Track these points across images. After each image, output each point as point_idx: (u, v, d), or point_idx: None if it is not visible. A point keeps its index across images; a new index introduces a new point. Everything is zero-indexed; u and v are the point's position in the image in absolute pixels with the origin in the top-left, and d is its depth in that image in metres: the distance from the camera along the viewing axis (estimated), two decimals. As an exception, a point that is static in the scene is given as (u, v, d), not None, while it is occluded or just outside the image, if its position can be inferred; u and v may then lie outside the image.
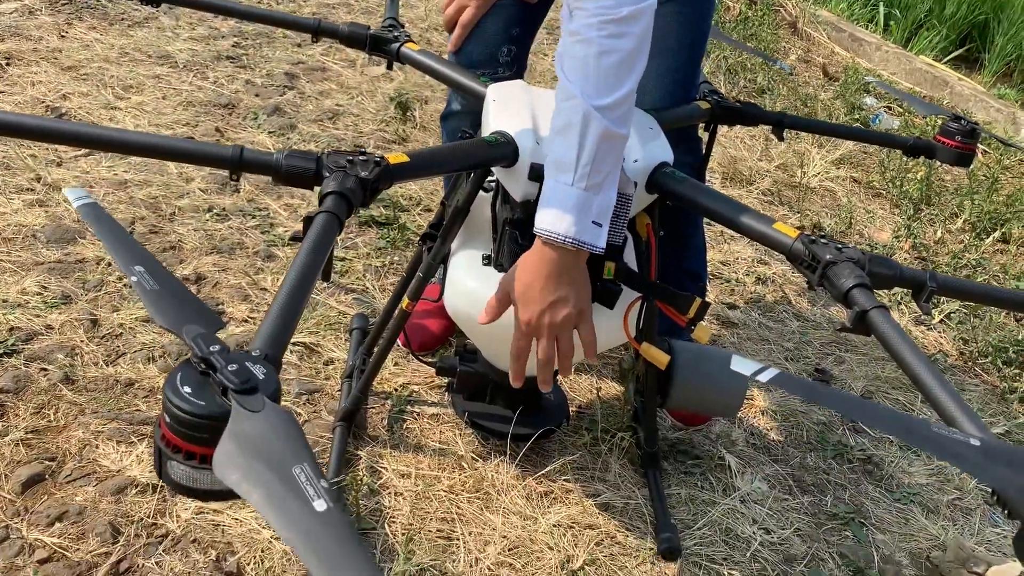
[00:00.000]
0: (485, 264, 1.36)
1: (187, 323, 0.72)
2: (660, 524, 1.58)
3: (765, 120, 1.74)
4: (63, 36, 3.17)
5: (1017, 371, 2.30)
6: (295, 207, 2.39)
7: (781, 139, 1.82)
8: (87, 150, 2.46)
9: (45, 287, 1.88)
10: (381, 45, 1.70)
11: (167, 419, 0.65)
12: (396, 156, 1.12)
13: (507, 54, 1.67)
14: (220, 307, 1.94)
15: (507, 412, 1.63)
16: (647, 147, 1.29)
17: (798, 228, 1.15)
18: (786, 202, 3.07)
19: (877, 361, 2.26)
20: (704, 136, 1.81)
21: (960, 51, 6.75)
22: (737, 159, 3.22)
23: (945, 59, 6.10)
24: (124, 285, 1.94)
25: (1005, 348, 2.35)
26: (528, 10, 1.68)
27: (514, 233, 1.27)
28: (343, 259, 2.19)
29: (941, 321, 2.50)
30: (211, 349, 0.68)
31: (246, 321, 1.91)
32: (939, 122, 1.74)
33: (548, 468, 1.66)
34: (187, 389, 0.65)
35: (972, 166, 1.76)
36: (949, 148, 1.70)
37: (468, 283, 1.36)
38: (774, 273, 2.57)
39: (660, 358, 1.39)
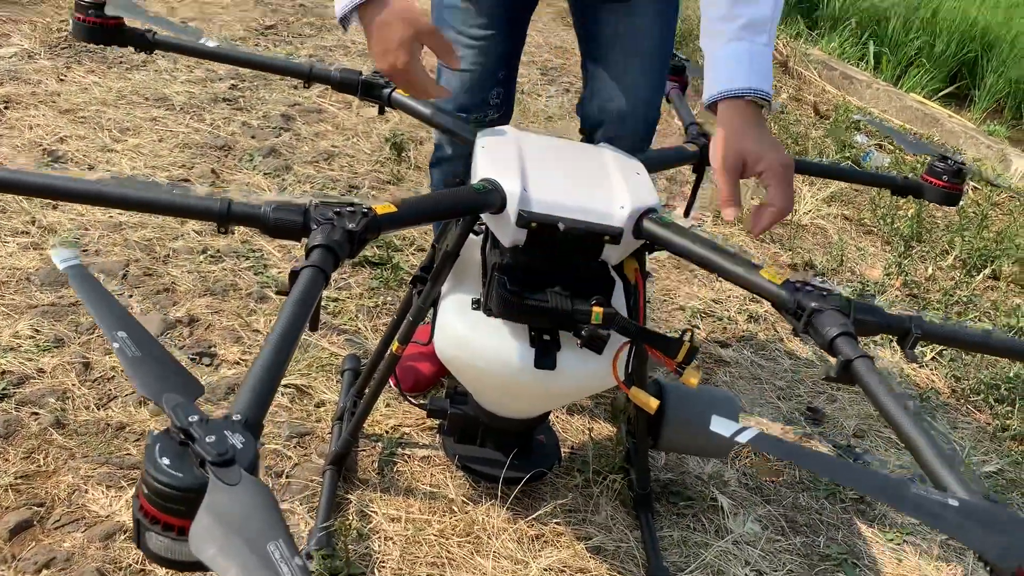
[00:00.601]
0: (474, 308, 1.37)
1: (167, 391, 0.72)
2: (652, 567, 1.58)
3: None
4: (61, 79, 3.21)
5: (1009, 408, 2.30)
6: (288, 248, 2.40)
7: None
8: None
9: (38, 330, 1.88)
10: (372, 91, 1.71)
11: (145, 490, 0.65)
12: (384, 206, 1.13)
13: (496, 96, 1.71)
14: (212, 349, 1.94)
15: (498, 455, 1.63)
16: (634, 192, 1.30)
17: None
18: (777, 240, 3.09)
19: (869, 399, 2.26)
20: (691, 178, 1.83)
21: (951, 88, 6.83)
22: (729, 197, 3.24)
23: (936, 96, 6.16)
24: (117, 328, 1.95)
25: (997, 385, 2.36)
26: (509, 51, 1.71)
27: (503, 278, 1.28)
28: (336, 299, 2.20)
29: (933, 359, 2.51)
30: (190, 420, 0.68)
31: (238, 363, 1.91)
32: (928, 159, 1.76)
33: (540, 511, 1.66)
34: (165, 460, 0.65)
35: (960, 204, 1.78)
36: (936, 187, 1.71)
37: (458, 327, 1.37)
38: (765, 311, 2.58)
39: (649, 402, 1.39)
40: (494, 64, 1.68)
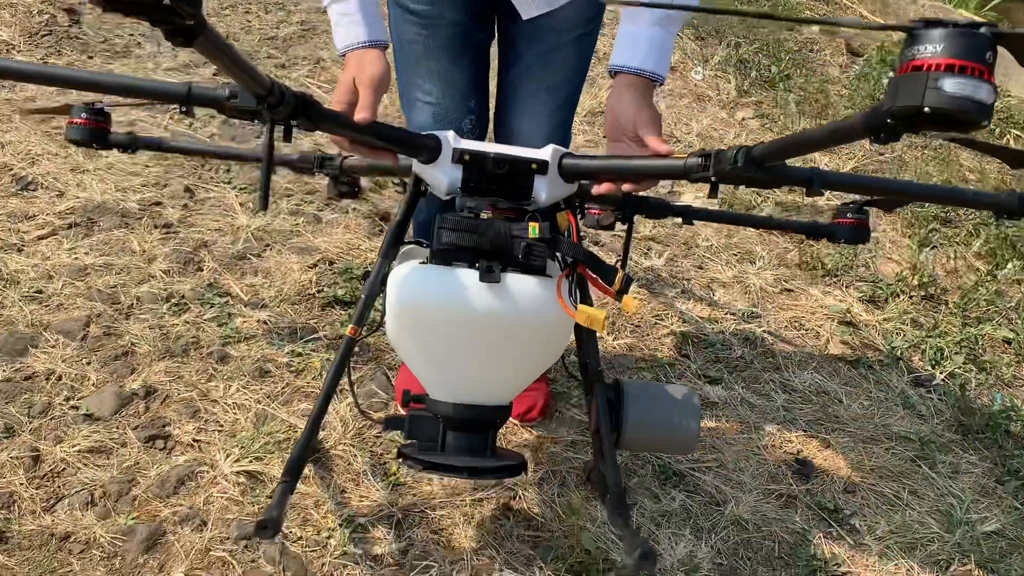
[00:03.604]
0: (423, 263, 1.40)
1: None
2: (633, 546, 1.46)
3: (673, 212, 1.80)
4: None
5: (1018, 449, 2.15)
6: (256, 287, 2.32)
7: (690, 223, 1.87)
8: (49, 230, 2.42)
9: (-11, 418, 1.86)
10: (326, 161, 1.93)
11: None
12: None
13: (469, 123, 1.77)
14: (167, 428, 1.89)
15: (463, 457, 1.54)
16: (547, 149, 1.39)
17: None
18: (796, 240, 2.90)
19: (864, 443, 2.13)
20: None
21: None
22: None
23: (990, 5, 5.66)
24: (71, 407, 1.91)
25: (1009, 417, 2.20)
26: (478, 77, 1.75)
27: (444, 217, 1.35)
28: (300, 354, 2.13)
29: (939, 394, 2.35)
30: None
31: (191, 446, 1.86)
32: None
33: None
34: None
35: (870, 240, 1.87)
36: (845, 226, 1.79)
37: (408, 276, 1.38)
38: (763, 331, 2.44)
39: (596, 314, 1.35)
40: (462, 95, 1.73)
